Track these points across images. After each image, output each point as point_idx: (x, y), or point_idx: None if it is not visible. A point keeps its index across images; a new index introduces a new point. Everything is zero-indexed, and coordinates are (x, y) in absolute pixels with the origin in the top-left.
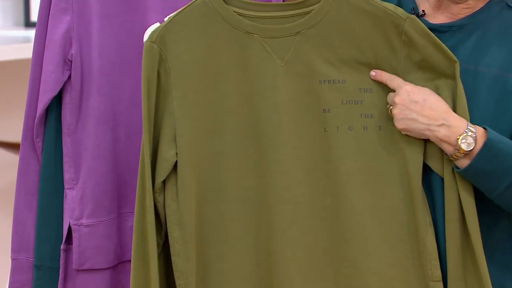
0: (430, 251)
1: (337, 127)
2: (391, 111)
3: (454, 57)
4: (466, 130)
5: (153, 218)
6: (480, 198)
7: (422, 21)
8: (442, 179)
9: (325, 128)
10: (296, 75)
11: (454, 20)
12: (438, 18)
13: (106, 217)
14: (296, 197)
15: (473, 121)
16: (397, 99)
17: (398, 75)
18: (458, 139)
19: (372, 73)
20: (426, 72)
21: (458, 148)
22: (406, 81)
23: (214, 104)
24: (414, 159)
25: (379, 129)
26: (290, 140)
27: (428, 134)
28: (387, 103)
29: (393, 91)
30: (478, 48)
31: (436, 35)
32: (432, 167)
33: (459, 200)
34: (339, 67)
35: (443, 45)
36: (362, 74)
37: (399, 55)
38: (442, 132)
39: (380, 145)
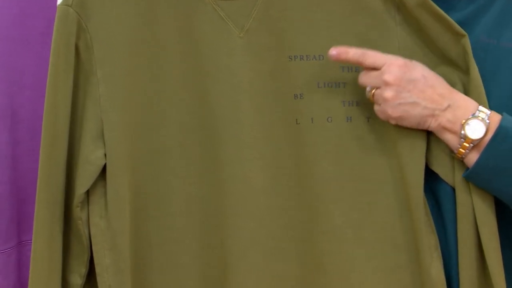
0: (436, 282)
1: (312, 118)
2: (373, 95)
3: (461, 30)
4: (476, 113)
5: (60, 246)
6: (503, 215)
7: None
8: (454, 189)
9: (296, 120)
10: (260, 48)
11: None
12: None
13: (2, 246)
14: (259, 211)
15: (492, 106)
16: (389, 78)
17: (394, 48)
18: (464, 123)
19: (333, 51)
20: (429, 51)
21: (463, 136)
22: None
23: (152, 88)
24: (414, 161)
25: (368, 121)
26: (251, 135)
27: (430, 122)
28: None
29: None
30: (503, 18)
31: (450, 2)
32: (439, 173)
33: (475, 217)
34: (316, 38)
35: (444, 15)
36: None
37: (393, 23)
38: (446, 117)
39: (368, 142)
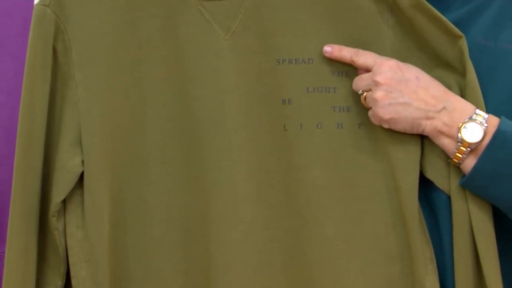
0: None
1: (301, 124)
2: (365, 98)
3: (458, 31)
4: (473, 116)
5: (34, 257)
6: (500, 223)
7: None
8: (449, 198)
9: (284, 126)
10: (246, 51)
11: None
12: None
13: None
14: (244, 220)
15: (489, 110)
16: (379, 78)
17: (386, 53)
18: (461, 127)
19: (327, 48)
20: (423, 54)
21: (460, 140)
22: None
23: (133, 92)
24: (408, 168)
25: (359, 128)
26: (237, 141)
27: (424, 125)
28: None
29: None
30: (501, 19)
31: (446, 2)
32: (434, 181)
33: (471, 226)
34: (305, 41)
35: (440, 16)
36: None
37: (386, 25)
38: (442, 119)
39: (360, 149)
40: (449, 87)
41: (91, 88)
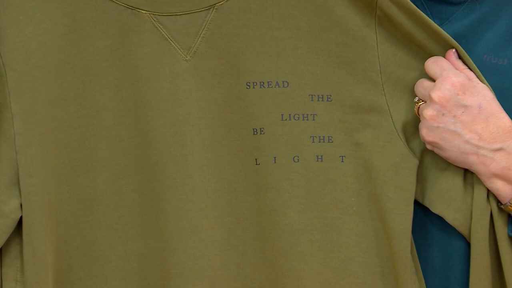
0: None
1: (275, 157)
2: (418, 108)
3: (454, 42)
4: None
5: None
6: None
7: None
8: (467, 244)
9: (256, 160)
10: (210, 74)
11: None
12: None
13: None
14: (211, 271)
15: None
16: (435, 95)
17: (375, 73)
18: None
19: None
20: (417, 75)
21: None
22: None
23: (80, 123)
24: (400, 208)
25: (342, 161)
26: (201, 179)
27: (471, 162)
28: (415, 95)
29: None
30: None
31: (446, 10)
32: (446, 218)
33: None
34: (279, 61)
35: (433, 24)
36: (315, 72)
37: (374, 40)
38: (497, 162)
39: (343, 185)
40: None
41: (29, 120)
